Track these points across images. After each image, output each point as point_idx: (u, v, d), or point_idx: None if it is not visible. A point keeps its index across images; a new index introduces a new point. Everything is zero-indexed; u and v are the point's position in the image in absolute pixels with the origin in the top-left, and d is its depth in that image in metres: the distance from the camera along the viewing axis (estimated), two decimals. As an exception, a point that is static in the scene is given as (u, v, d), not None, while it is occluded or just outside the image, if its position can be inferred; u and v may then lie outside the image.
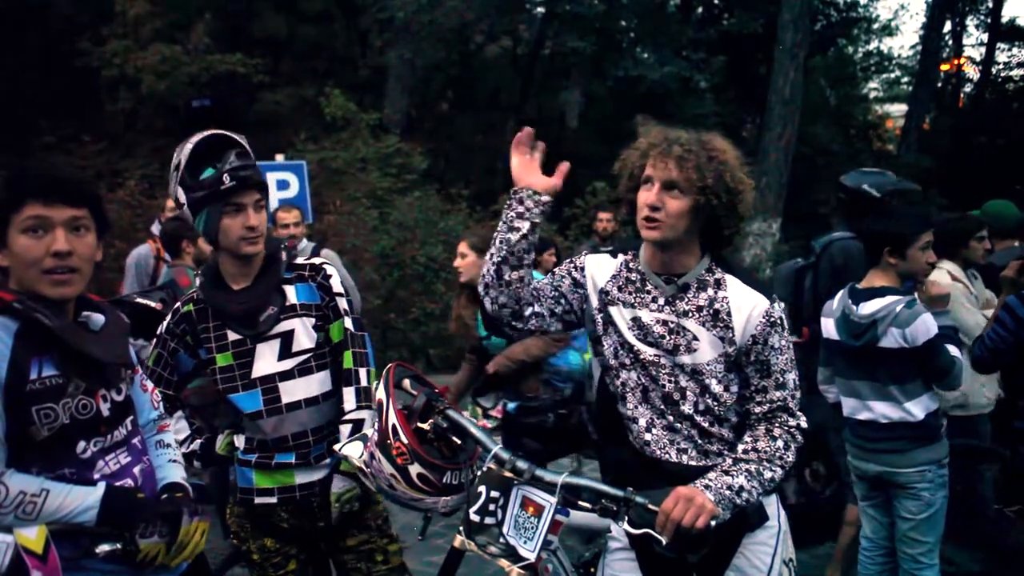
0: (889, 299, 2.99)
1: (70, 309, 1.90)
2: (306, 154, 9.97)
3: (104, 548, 1.82)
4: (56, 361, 1.81)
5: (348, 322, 2.43)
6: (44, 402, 1.78)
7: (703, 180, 1.89)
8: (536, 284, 2.08)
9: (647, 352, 2.01)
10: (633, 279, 2.07)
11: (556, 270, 2.16)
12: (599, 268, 2.12)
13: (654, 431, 2.04)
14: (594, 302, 2.10)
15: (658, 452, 2.03)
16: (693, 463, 2.01)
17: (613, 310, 2.06)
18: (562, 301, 2.11)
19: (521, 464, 1.92)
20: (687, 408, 2.00)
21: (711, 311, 1.98)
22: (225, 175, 2.20)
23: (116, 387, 1.95)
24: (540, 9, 14.04)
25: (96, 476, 1.87)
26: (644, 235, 1.98)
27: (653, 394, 2.03)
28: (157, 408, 2.19)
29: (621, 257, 2.13)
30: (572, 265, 2.15)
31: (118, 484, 1.89)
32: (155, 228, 5.78)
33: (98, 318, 1.94)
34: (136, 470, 1.97)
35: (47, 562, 1.70)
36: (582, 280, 2.12)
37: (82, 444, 1.85)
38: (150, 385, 2.20)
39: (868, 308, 3.02)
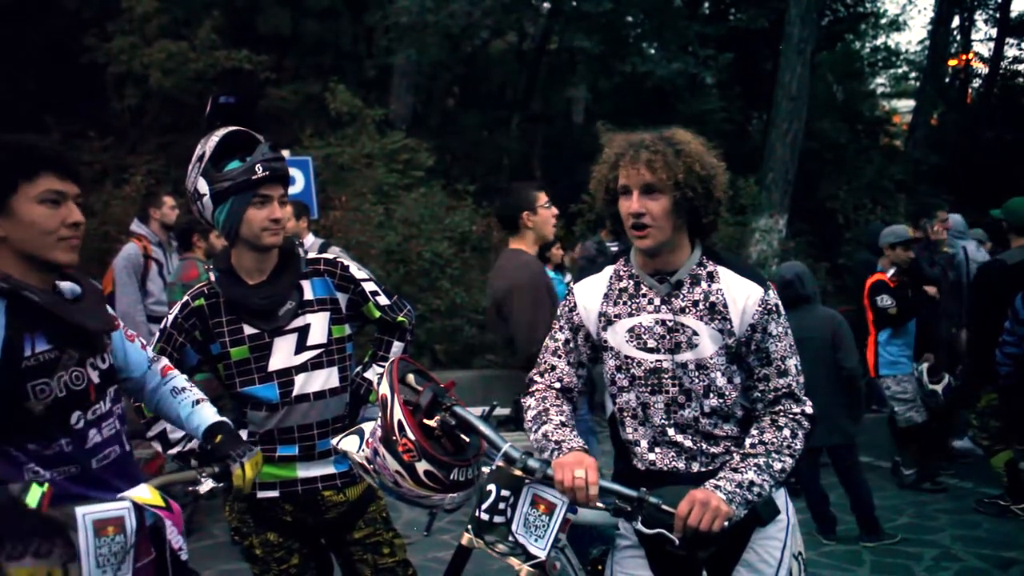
0: None
1: (49, 281, 1.91)
2: (311, 150, 9.97)
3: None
4: (47, 335, 1.83)
5: (382, 298, 2.51)
6: (39, 377, 1.80)
7: (675, 176, 1.92)
8: (565, 374, 2.19)
9: (648, 360, 2.02)
10: (625, 287, 2.09)
11: (556, 332, 2.20)
12: (589, 294, 2.14)
13: (657, 449, 2.05)
14: (594, 331, 2.13)
15: (665, 468, 2.04)
16: (703, 469, 2.02)
17: (609, 332, 2.08)
18: (582, 369, 2.20)
19: (532, 463, 1.91)
20: (691, 412, 2.01)
21: (707, 304, 1.99)
22: (258, 165, 2.24)
23: (102, 355, 1.97)
24: (546, 5, 13.97)
25: (88, 446, 1.90)
26: (636, 244, 2.02)
27: (653, 409, 2.03)
28: (146, 350, 2.21)
29: (609, 269, 2.15)
30: (567, 309, 2.18)
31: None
32: (135, 226, 5.64)
33: (73, 287, 1.95)
34: (125, 439, 2.03)
35: (173, 510, 1.83)
36: (580, 321, 2.15)
37: (75, 415, 1.88)
38: (133, 332, 2.20)
39: None
